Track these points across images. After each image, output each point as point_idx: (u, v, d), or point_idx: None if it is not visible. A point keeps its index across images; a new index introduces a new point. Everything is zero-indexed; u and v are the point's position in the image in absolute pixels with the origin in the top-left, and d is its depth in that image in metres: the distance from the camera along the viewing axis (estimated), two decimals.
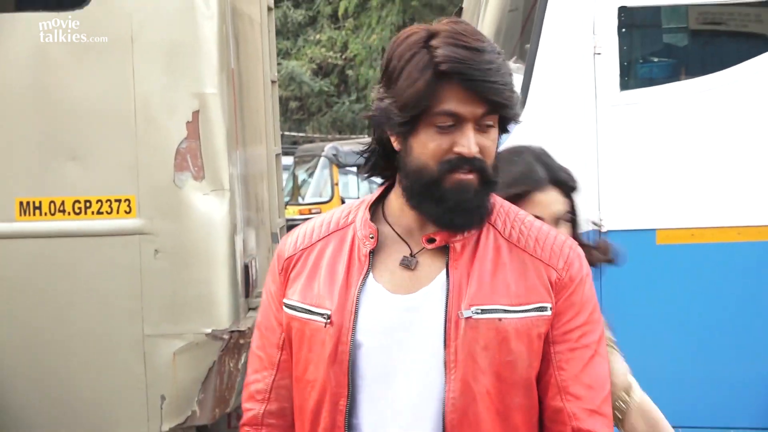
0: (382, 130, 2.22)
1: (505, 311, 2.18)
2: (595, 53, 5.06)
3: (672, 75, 5.43)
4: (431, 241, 2.21)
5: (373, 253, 2.23)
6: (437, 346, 2.17)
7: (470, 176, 2.15)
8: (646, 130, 5.06)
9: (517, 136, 5.18)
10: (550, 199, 2.58)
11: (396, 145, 2.21)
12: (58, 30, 5.11)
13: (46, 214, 5.14)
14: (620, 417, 2.41)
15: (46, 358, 5.19)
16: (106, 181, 5.15)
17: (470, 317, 2.16)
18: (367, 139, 2.35)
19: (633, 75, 5.29)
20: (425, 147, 2.15)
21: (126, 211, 5.13)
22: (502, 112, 2.16)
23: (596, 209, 5.03)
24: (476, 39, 2.14)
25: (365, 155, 2.30)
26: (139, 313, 5.12)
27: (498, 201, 2.30)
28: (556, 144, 5.10)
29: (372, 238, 2.24)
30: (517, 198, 2.47)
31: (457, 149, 2.13)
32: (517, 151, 2.72)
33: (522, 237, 2.25)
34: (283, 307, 2.29)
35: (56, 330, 5.19)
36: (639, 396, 2.54)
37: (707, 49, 5.72)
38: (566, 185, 2.64)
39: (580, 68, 5.08)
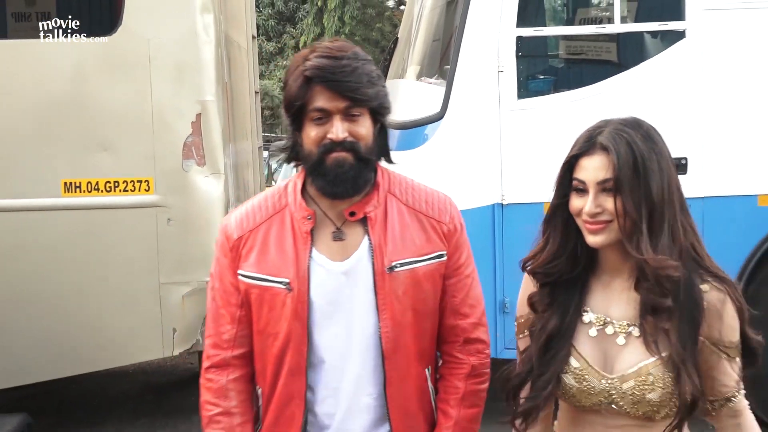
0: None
1: (416, 262, 2.19)
2: (498, 71, 5.07)
3: (553, 88, 5.46)
4: (352, 214, 2.18)
5: (312, 230, 2.19)
6: (369, 295, 2.17)
7: (344, 154, 2.10)
8: (535, 129, 5.07)
9: (440, 137, 5.31)
10: (594, 165, 1.98)
11: (298, 140, 2.18)
12: (93, 51, 5.09)
13: (84, 191, 5.11)
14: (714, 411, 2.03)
15: (86, 303, 5.18)
16: (130, 166, 5.12)
17: (392, 270, 2.16)
18: None
19: (526, 88, 5.29)
20: (308, 137, 2.13)
21: (146, 190, 5.12)
22: (363, 104, 2.11)
23: (500, 188, 5.07)
24: (339, 51, 2.11)
25: (285, 149, 2.25)
26: (156, 267, 5.13)
27: (392, 173, 2.28)
28: (471, 139, 5.24)
29: (310, 219, 2.19)
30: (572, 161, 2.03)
31: (329, 136, 2.10)
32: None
33: (416, 201, 2.24)
34: (240, 277, 2.21)
35: (93, 281, 5.17)
36: (741, 403, 2.05)
37: (576, 70, 5.73)
38: (620, 153, 1.95)
39: (488, 82, 5.08)
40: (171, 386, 6.80)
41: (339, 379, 2.19)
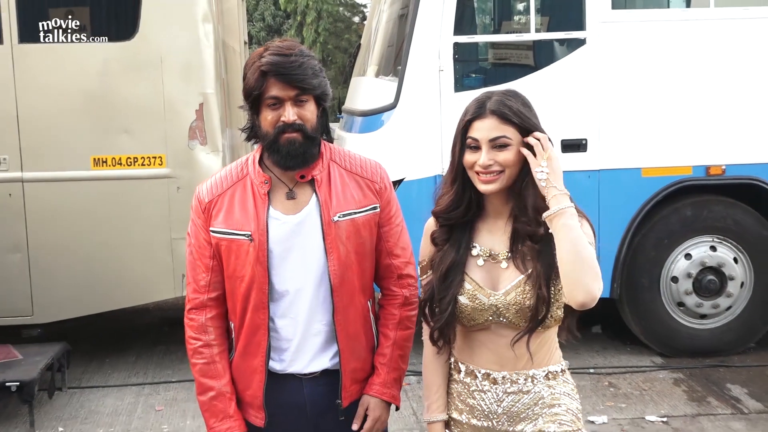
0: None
1: (355, 213, 2.18)
2: (439, 70, 5.10)
3: (482, 84, 5.47)
4: (302, 177, 2.17)
5: (269, 192, 2.17)
6: (318, 241, 2.15)
7: (294, 134, 2.09)
8: None
9: (394, 122, 5.38)
10: (486, 126, 1.99)
11: (256, 122, 2.15)
12: (116, 54, 5.12)
13: (110, 165, 5.13)
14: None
15: (113, 254, 5.21)
16: (146, 145, 5.13)
17: (337, 221, 2.15)
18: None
19: (461, 83, 5.30)
20: (265, 120, 2.10)
21: (159, 164, 5.15)
22: (308, 92, 2.09)
23: (440, 162, 5.07)
24: (288, 49, 2.09)
25: (246, 130, 2.21)
26: (168, 225, 5.16)
27: (333, 146, 2.26)
28: (417, 125, 5.30)
29: (266, 183, 2.16)
30: (467, 125, 2.02)
31: (282, 119, 2.08)
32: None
33: (353, 166, 2.23)
34: (211, 233, 2.17)
35: (118, 237, 5.20)
36: None
37: (500, 70, 5.78)
38: (505, 116, 1.98)
39: (431, 79, 5.11)
40: (182, 320, 6.78)
41: (296, 310, 2.18)
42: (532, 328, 1.98)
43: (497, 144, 1.97)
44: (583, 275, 1.84)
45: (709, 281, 5.33)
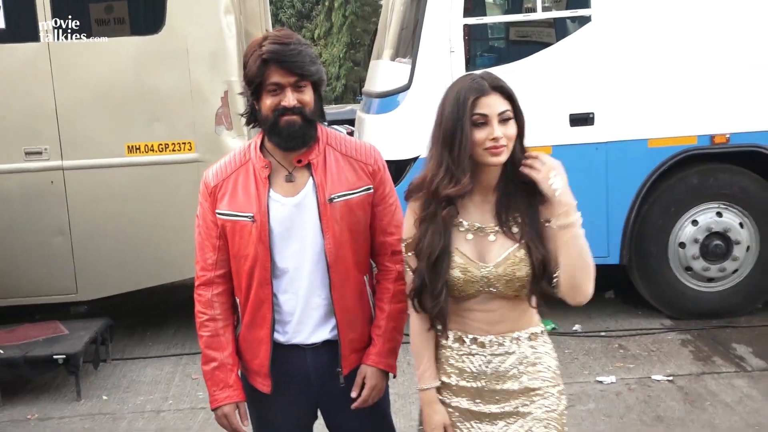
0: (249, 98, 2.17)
1: (349, 194, 2.19)
2: (450, 51, 5.12)
3: (494, 63, 5.43)
4: (300, 162, 2.18)
5: (270, 176, 2.18)
6: (315, 221, 2.17)
7: (294, 117, 2.10)
8: None
9: (408, 103, 5.37)
10: (493, 101, 1.98)
11: (256, 107, 2.16)
12: (146, 46, 5.18)
13: (142, 152, 5.20)
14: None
15: (149, 234, 5.29)
16: (177, 132, 5.18)
17: (331, 201, 2.17)
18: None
19: (473, 63, 5.31)
20: (266, 105, 2.11)
21: (189, 149, 5.20)
22: (307, 78, 2.11)
23: None
24: (287, 38, 2.10)
25: (245, 114, 2.21)
26: (197, 207, 5.26)
27: (328, 130, 2.26)
28: (429, 107, 5.24)
29: (266, 167, 2.17)
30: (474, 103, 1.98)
31: (282, 103, 2.09)
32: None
33: (347, 149, 2.25)
34: (217, 214, 2.19)
35: (152, 218, 5.27)
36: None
37: (509, 49, 5.74)
38: (504, 91, 2.01)
39: (442, 60, 5.12)
40: None
41: (297, 286, 2.21)
42: (537, 284, 2.00)
43: (504, 118, 1.98)
44: (585, 281, 1.95)
45: (716, 246, 5.31)
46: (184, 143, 5.23)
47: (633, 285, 5.55)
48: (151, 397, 4.73)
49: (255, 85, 2.12)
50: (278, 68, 2.08)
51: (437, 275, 2.02)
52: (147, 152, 5.23)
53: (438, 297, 2.02)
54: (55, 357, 4.62)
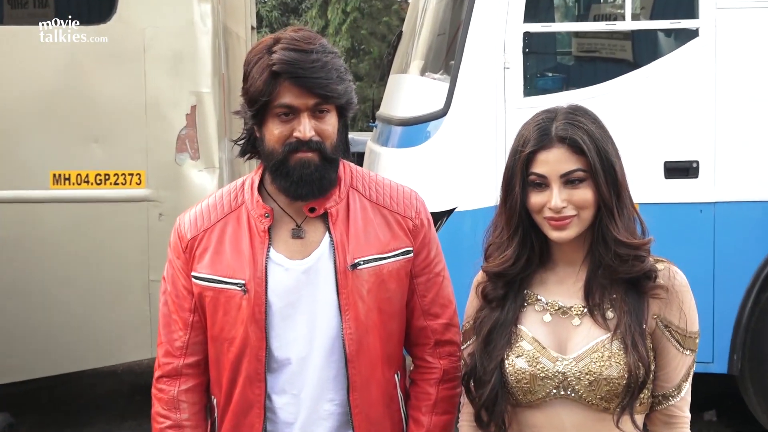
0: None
1: (381, 259, 2.18)
2: (504, 67, 5.07)
3: (561, 86, 5.43)
4: (312, 210, 2.16)
5: (270, 229, 2.17)
6: (332, 294, 2.15)
7: (309, 154, 2.08)
8: None
9: (444, 134, 5.32)
10: (555, 158, 2.00)
11: (257, 134, 2.16)
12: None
13: (73, 184, 5.14)
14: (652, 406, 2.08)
15: (73, 300, 5.21)
16: (121, 159, 5.14)
17: (355, 268, 2.15)
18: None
19: (533, 85, 5.27)
20: (272, 134, 2.09)
21: (137, 183, 5.15)
22: (331, 101, 2.09)
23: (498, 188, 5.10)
24: (307, 43, 2.07)
25: (239, 142, 2.22)
26: (146, 263, 5.15)
27: (354, 167, 2.26)
28: (475, 137, 5.26)
29: (267, 216, 2.17)
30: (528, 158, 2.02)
31: (295, 134, 2.07)
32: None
33: (379, 196, 2.23)
34: (193, 279, 2.18)
35: (80, 277, 5.20)
36: (678, 412, 2.08)
37: (585, 68, 5.73)
38: (576, 144, 2.00)
39: (493, 79, 5.08)
40: None
41: (300, 385, 2.18)
42: (632, 399, 1.98)
43: (570, 179, 1.99)
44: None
45: None
46: (132, 174, 5.18)
47: (744, 402, 5.40)
48: None
49: (259, 106, 2.10)
50: (293, 85, 2.06)
51: (490, 354, 2.05)
52: (79, 184, 5.18)
53: (488, 382, 2.04)
54: None
